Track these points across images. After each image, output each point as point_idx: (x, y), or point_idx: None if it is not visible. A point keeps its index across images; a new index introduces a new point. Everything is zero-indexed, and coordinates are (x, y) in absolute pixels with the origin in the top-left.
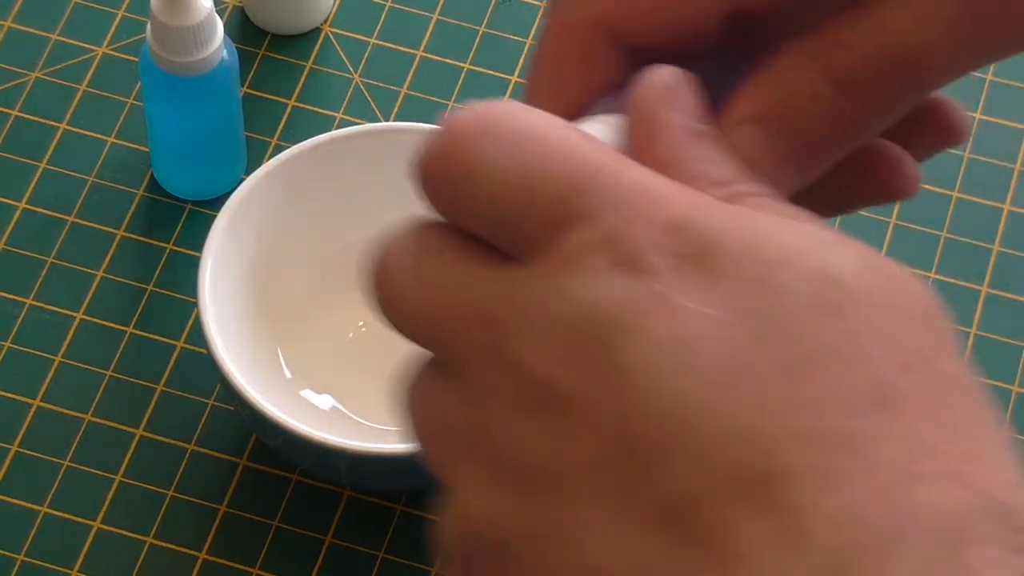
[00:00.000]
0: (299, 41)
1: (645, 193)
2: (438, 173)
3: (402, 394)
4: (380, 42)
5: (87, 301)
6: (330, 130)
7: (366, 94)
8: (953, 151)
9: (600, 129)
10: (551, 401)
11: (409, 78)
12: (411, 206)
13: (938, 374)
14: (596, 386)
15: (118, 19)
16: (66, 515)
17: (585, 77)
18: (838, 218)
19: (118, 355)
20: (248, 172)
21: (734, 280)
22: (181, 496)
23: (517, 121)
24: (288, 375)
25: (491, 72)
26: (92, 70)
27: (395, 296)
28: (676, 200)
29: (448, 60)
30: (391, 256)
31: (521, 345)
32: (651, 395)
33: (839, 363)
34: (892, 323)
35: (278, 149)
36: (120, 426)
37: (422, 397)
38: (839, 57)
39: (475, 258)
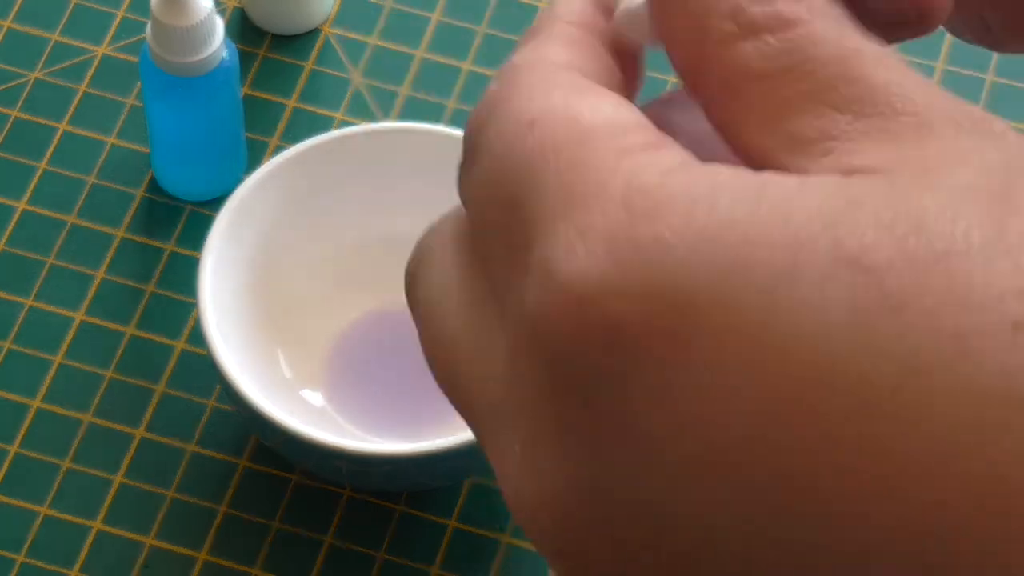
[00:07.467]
0: (299, 41)
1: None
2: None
3: None
4: (380, 42)
5: (87, 301)
6: (330, 130)
7: (366, 94)
8: None
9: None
10: None
11: (409, 78)
12: (410, 206)
13: None
14: None
15: (118, 19)
16: (66, 515)
17: None
18: None
19: (118, 355)
20: (248, 172)
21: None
22: (181, 496)
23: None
24: (288, 375)
25: (491, 72)
26: (92, 70)
27: None
28: None
29: (448, 60)
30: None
31: None
32: None
33: None
34: None
35: (278, 149)
36: (120, 426)
37: None
38: None
39: None
